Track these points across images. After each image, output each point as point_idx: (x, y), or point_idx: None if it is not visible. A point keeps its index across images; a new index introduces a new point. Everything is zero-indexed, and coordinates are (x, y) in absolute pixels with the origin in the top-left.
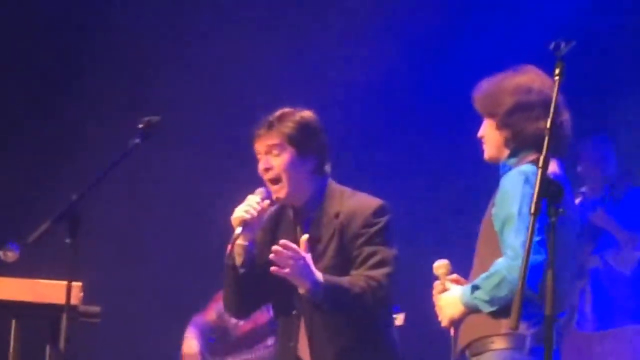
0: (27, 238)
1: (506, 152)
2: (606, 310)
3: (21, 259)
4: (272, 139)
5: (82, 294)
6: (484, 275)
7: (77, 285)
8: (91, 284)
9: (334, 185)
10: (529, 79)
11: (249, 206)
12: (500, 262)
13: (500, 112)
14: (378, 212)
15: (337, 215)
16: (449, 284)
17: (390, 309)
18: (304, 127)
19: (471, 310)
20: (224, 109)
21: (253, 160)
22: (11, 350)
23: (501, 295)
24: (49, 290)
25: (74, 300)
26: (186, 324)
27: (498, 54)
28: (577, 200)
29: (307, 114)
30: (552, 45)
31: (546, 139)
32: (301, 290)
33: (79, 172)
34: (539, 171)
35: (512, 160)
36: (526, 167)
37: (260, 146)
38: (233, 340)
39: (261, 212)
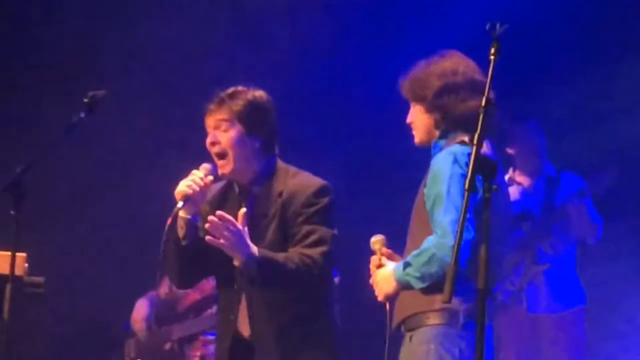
0: None
1: (436, 134)
2: (559, 294)
3: None
4: (222, 114)
5: (26, 264)
6: (414, 252)
7: (21, 256)
8: (36, 256)
9: (280, 164)
10: (454, 62)
11: (192, 181)
12: (430, 240)
13: (429, 95)
14: (319, 192)
15: (280, 194)
16: (384, 260)
17: (330, 289)
18: (254, 106)
19: (403, 286)
20: (171, 81)
21: (203, 134)
22: None
23: (431, 272)
24: None
25: (18, 271)
26: (131, 295)
27: (431, 40)
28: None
29: (259, 93)
30: (487, 26)
31: (481, 116)
32: (236, 263)
33: (24, 145)
34: (474, 148)
35: (443, 142)
36: (455, 148)
37: (210, 120)
38: (180, 310)
39: (204, 187)
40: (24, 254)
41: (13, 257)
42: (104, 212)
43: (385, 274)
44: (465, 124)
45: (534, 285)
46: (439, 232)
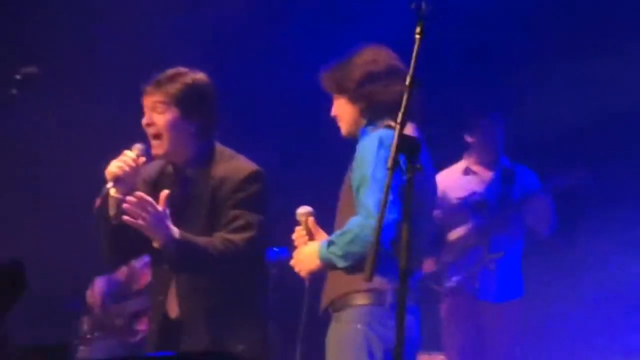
0: None
1: (363, 122)
2: (507, 284)
3: None
4: (158, 96)
5: None
6: (338, 232)
7: None
8: None
9: (218, 148)
10: (373, 52)
11: (123, 162)
12: (353, 221)
13: (351, 86)
14: (250, 178)
15: (212, 178)
16: (308, 233)
17: (260, 273)
18: (192, 90)
19: (327, 264)
20: (110, 58)
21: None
22: None
23: (354, 251)
24: None
25: None
26: (85, 272)
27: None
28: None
29: (199, 76)
30: (412, 5)
31: (405, 96)
32: (155, 244)
33: None
34: (397, 127)
35: (370, 128)
36: (381, 132)
37: (146, 101)
38: (137, 287)
39: (135, 168)
40: None
41: None
42: (52, 192)
43: (309, 251)
44: (390, 109)
45: (485, 272)
46: (363, 213)
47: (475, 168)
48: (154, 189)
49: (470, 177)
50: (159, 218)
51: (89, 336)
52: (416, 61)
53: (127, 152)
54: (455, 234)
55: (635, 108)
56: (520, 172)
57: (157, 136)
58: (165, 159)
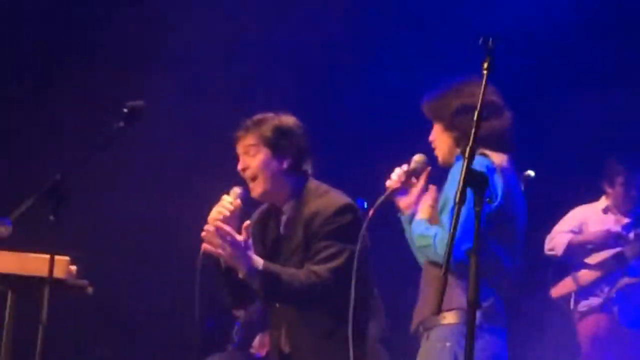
0: (13, 213)
1: (457, 152)
2: None
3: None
4: (249, 140)
5: (74, 267)
6: (425, 229)
7: (62, 259)
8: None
9: (312, 184)
10: (473, 85)
11: (222, 207)
12: (437, 232)
13: (447, 114)
14: (339, 211)
15: (305, 213)
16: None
17: (359, 298)
18: (279, 130)
19: (405, 227)
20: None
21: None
22: (7, 320)
23: (425, 253)
24: (39, 264)
25: (58, 274)
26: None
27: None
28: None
29: (285, 118)
30: (480, 40)
31: (473, 130)
32: (240, 275)
33: (64, 153)
34: (465, 162)
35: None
36: (487, 160)
37: (239, 147)
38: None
39: (234, 211)
40: (65, 258)
41: (52, 260)
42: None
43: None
44: (483, 140)
45: (623, 295)
46: (442, 231)
47: (613, 210)
48: (263, 230)
49: (609, 216)
50: (239, 247)
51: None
52: (484, 95)
53: (225, 196)
54: (595, 258)
55: None
56: None
57: (254, 178)
58: (263, 199)
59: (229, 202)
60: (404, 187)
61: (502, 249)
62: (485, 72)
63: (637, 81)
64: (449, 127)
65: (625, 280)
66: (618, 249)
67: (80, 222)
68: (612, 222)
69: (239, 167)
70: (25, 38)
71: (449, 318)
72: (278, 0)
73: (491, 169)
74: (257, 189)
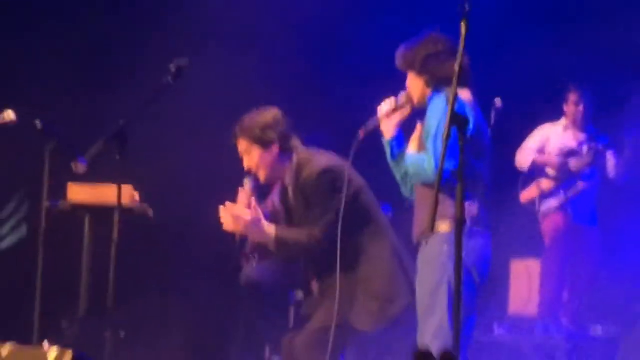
0: (88, 153)
1: (429, 92)
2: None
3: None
4: (242, 145)
5: (137, 195)
6: (417, 159)
7: (128, 187)
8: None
9: (301, 154)
10: (432, 35)
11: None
12: (423, 157)
13: (417, 63)
14: (319, 177)
15: (300, 182)
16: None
17: (356, 241)
18: (261, 127)
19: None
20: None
21: None
22: (86, 240)
23: (418, 178)
24: (110, 193)
25: (125, 200)
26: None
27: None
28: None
29: (264, 113)
30: (459, 6)
31: (454, 80)
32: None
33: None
34: (449, 106)
35: (436, 94)
36: (447, 93)
37: (239, 148)
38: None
39: (249, 197)
40: (130, 186)
41: (119, 190)
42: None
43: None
44: (449, 80)
45: (577, 197)
46: (427, 157)
47: (571, 127)
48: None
49: (568, 132)
50: (252, 222)
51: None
52: (463, 51)
53: (240, 189)
54: (553, 169)
55: None
56: (600, 136)
57: (257, 170)
58: (270, 182)
59: (245, 196)
60: (389, 116)
61: (480, 164)
62: (463, 32)
63: (584, 17)
64: (420, 73)
65: (579, 185)
66: (568, 161)
67: (140, 159)
68: (570, 138)
69: (245, 166)
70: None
71: (443, 227)
72: None
73: (462, 105)
74: (261, 177)
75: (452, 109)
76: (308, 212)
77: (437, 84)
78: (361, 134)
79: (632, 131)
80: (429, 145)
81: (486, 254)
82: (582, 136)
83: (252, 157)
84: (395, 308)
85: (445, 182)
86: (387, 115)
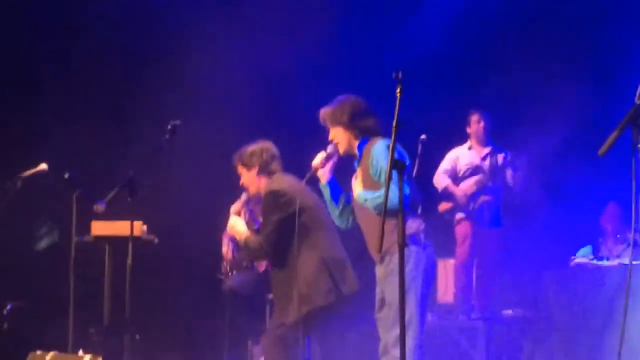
0: (105, 198)
1: (356, 142)
2: (497, 216)
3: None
4: (239, 169)
5: (145, 228)
6: (370, 194)
7: (138, 222)
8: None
9: (271, 178)
10: (354, 98)
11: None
12: (378, 193)
13: (344, 119)
14: (266, 195)
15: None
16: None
17: (286, 250)
18: (246, 156)
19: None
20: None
21: None
22: (107, 265)
23: (375, 209)
24: (124, 228)
25: (136, 233)
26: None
27: None
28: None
29: (252, 147)
30: (394, 75)
31: (393, 132)
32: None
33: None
34: (390, 153)
35: (365, 141)
36: (383, 141)
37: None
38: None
39: (241, 207)
40: (140, 222)
41: (132, 224)
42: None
43: (356, 185)
44: (370, 131)
45: (481, 208)
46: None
47: (475, 146)
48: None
49: (473, 151)
50: (232, 223)
51: (229, 273)
52: (398, 110)
53: (238, 199)
54: (465, 184)
55: None
56: (500, 150)
57: (247, 187)
58: (256, 195)
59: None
60: (322, 166)
61: (414, 189)
62: (398, 95)
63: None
64: (348, 127)
65: (482, 198)
66: (476, 177)
67: (146, 200)
68: (475, 156)
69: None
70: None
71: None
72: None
73: (400, 152)
74: (250, 192)
75: (392, 155)
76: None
77: (362, 134)
78: (305, 179)
79: (528, 148)
80: (382, 182)
81: (433, 262)
82: (485, 151)
83: (244, 178)
84: (309, 306)
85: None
86: (321, 165)
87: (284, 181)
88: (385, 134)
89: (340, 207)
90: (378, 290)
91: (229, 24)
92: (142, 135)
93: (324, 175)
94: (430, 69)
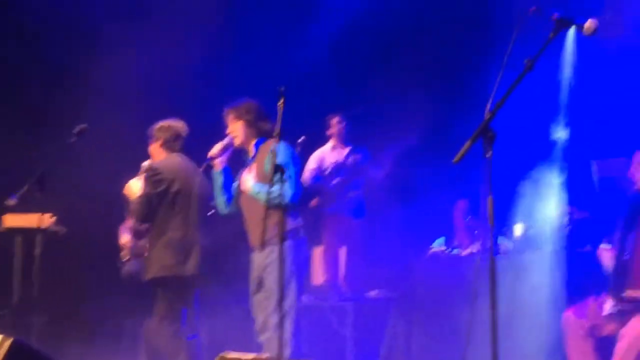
0: (18, 193)
1: (253, 140)
2: (360, 207)
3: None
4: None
5: (53, 220)
6: (261, 187)
7: (47, 215)
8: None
9: (169, 154)
10: (254, 102)
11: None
12: (267, 187)
13: (248, 117)
14: (147, 169)
15: None
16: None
17: (161, 217)
18: (157, 129)
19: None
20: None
21: None
22: (16, 254)
23: (261, 199)
24: (33, 219)
25: (45, 224)
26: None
27: None
28: None
29: (165, 122)
30: (279, 88)
31: (275, 139)
32: None
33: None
34: (271, 156)
35: (262, 141)
36: (282, 144)
37: None
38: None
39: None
40: (49, 214)
41: (41, 217)
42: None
43: (246, 180)
44: (267, 133)
45: (342, 200)
46: (280, 186)
47: (337, 146)
48: None
49: (335, 151)
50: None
51: (129, 260)
52: (281, 118)
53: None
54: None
55: None
56: (359, 150)
57: (152, 158)
58: None
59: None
60: (219, 155)
61: (299, 188)
62: (280, 106)
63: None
64: (249, 125)
65: (350, 194)
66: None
67: (55, 195)
68: (337, 155)
69: None
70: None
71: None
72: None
73: (290, 148)
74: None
75: (274, 159)
76: None
77: (260, 135)
78: (202, 167)
79: (391, 147)
80: (285, 177)
81: (308, 253)
82: (346, 150)
83: (150, 146)
84: (154, 273)
85: (291, 204)
86: (218, 155)
87: (170, 161)
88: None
89: (227, 195)
90: (255, 274)
91: (134, 26)
92: (53, 136)
93: (219, 163)
94: (309, 82)
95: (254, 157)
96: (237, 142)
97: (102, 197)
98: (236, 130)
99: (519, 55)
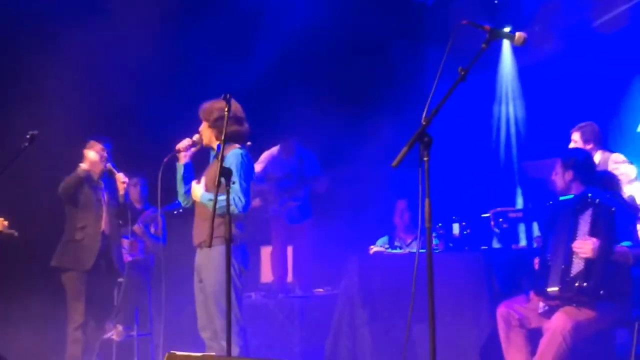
0: None
1: (216, 142)
2: (305, 213)
3: None
4: None
5: (6, 223)
6: (207, 195)
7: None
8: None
9: None
10: (219, 102)
11: None
12: (212, 196)
13: (211, 119)
14: None
15: None
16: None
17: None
18: None
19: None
20: None
21: None
22: None
23: (209, 206)
24: None
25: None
26: None
27: None
28: None
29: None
30: (222, 96)
31: (222, 145)
32: None
33: None
34: (219, 162)
35: (226, 145)
36: (237, 149)
37: None
38: None
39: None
40: (1, 218)
41: None
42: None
43: (196, 189)
44: (234, 138)
45: (293, 208)
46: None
47: (284, 156)
48: None
49: (284, 160)
50: None
51: None
52: (226, 125)
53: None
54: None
55: None
56: (308, 156)
57: None
58: None
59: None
60: (185, 150)
61: (248, 194)
62: (225, 113)
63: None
64: (211, 126)
65: (289, 204)
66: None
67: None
68: (285, 163)
69: None
70: None
71: (221, 240)
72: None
73: (245, 155)
74: None
75: (221, 164)
76: None
77: (221, 138)
78: (165, 159)
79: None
80: (235, 186)
81: (248, 257)
82: (293, 160)
83: None
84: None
85: (240, 215)
86: (184, 149)
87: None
88: (243, 144)
89: (187, 187)
90: (197, 272)
91: (86, 28)
92: (3, 143)
93: (183, 157)
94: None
95: (215, 157)
96: (204, 141)
97: (53, 200)
98: (203, 129)
99: (453, 65)
